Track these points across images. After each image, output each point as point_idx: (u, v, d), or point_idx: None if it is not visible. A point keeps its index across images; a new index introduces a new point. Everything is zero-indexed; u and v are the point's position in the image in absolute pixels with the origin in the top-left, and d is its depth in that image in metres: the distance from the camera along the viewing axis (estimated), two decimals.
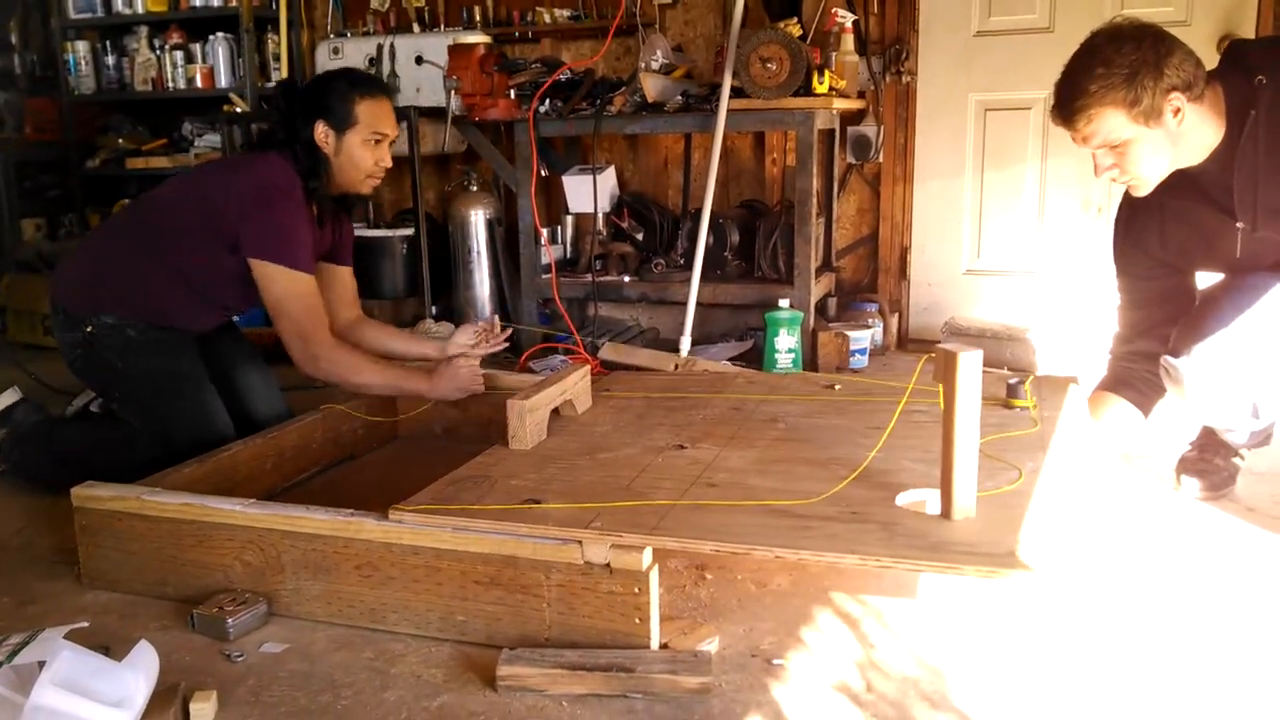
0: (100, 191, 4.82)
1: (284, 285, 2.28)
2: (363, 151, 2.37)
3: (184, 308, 2.40)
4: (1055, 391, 2.24)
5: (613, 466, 1.88)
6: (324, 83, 2.42)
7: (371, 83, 2.47)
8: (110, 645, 1.58)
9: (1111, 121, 1.84)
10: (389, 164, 2.43)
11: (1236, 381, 2.03)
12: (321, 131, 2.34)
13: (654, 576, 1.54)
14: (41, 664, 1.31)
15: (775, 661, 1.58)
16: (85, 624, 1.52)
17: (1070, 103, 1.86)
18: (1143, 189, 1.97)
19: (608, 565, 1.54)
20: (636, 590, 1.53)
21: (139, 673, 1.39)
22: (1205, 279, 2.18)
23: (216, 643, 1.67)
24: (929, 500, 1.64)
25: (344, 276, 2.63)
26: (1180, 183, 1.97)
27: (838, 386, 2.37)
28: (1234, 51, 1.98)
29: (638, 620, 1.54)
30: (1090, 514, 1.63)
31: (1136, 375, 2.22)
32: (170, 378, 2.35)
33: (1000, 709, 1.43)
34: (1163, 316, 2.17)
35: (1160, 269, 2.16)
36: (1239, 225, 1.97)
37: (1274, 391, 2.04)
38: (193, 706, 1.45)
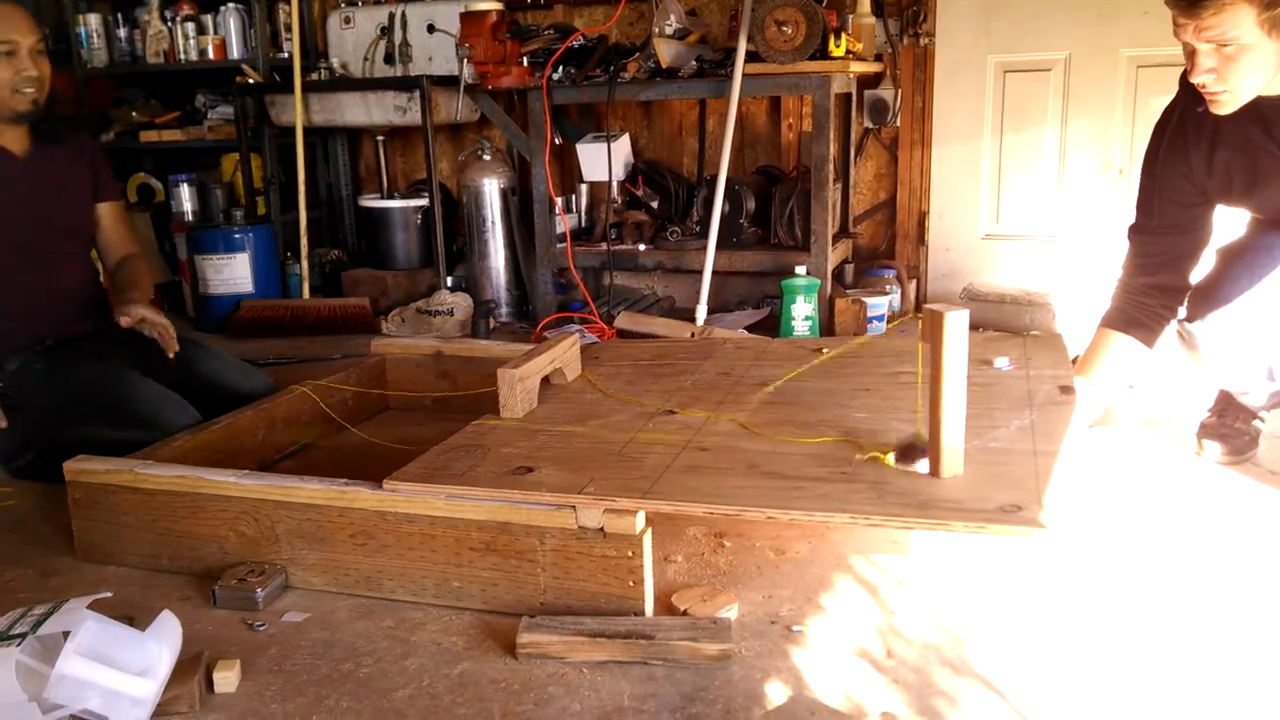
0: (116, 165, 4.79)
1: None
2: None
3: (17, 306, 2.34)
4: (1045, 349, 2.22)
5: (604, 433, 1.88)
6: None
7: None
8: (133, 616, 1.60)
9: (1239, 19, 1.72)
10: (34, 72, 2.30)
11: (1252, 344, 2.00)
12: None
13: (647, 540, 1.56)
14: (66, 634, 1.32)
15: (795, 628, 1.58)
16: (109, 594, 1.54)
17: None
18: (1229, 105, 1.86)
19: (601, 529, 1.56)
20: (630, 554, 1.55)
21: (163, 642, 1.40)
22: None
23: (238, 613, 1.68)
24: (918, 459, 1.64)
25: (107, 213, 2.57)
26: (1247, 111, 1.87)
27: (826, 350, 2.36)
28: None
29: (632, 583, 1.56)
30: (1088, 473, 1.63)
31: (1148, 312, 2.14)
32: (96, 381, 2.30)
33: (1021, 674, 1.43)
34: (1186, 248, 2.10)
35: (1196, 195, 2.06)
36: None
37: None
38: (216, 675, 1.46)
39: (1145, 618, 1.56)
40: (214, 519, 1.79)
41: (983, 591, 1.66)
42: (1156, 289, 2.13)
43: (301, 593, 1.75)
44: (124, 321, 2.33)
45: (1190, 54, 1.84)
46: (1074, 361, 2.21)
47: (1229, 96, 1.86)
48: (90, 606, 1.38)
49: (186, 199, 4.44)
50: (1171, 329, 2.14)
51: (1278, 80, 1.83)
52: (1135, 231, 2.18)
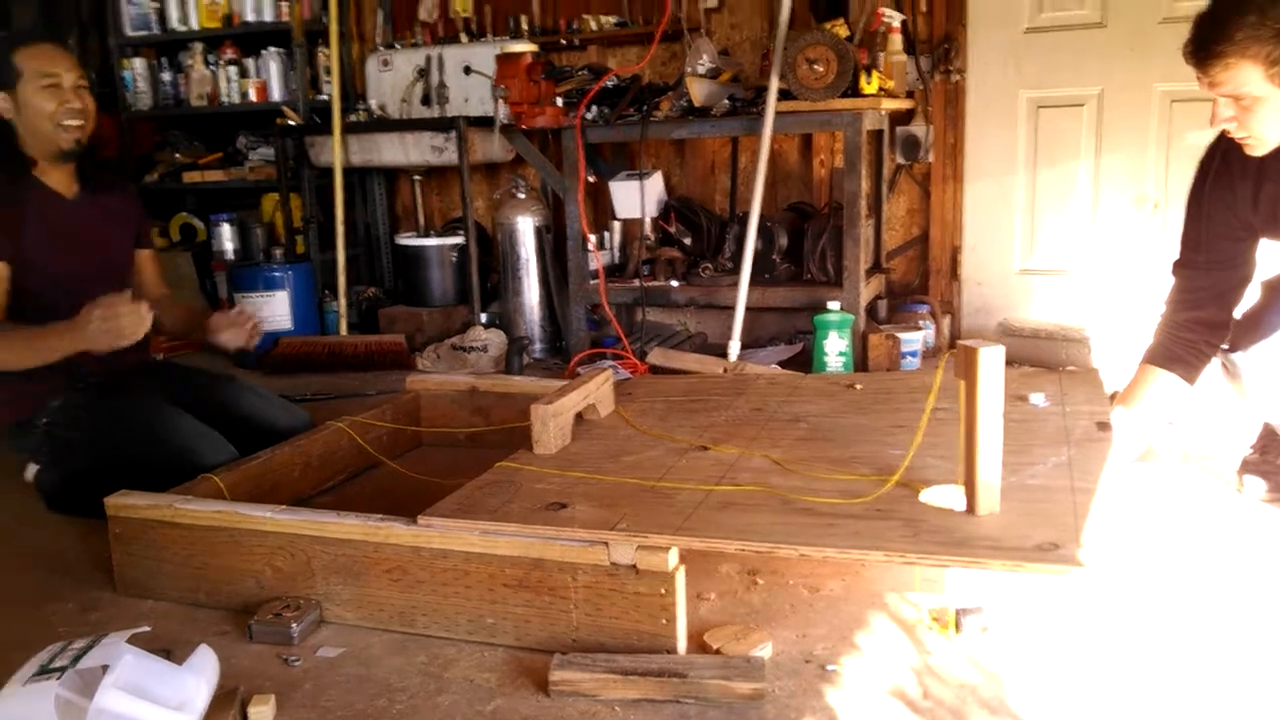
0: (158, 205, 4.92)
1: None
2: (41, 100, 2.32)
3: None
4: (1082, 385, 2.20)
5: (637, 469, 1.89)
6: None
7: (27, 34, 2.41)
8: (171, 650, 1.61)
9: (1247, 75, 1.76)
10: (79, 105, 2.35)
11: None
12: None
13: (680, 577, 1.55)
14: (105, 668, 1.34)
15: (829, 667, 1.56)
16: (147, 629, 1.55)
17: (1209, 44, 1.77)
18: (1258, 149, 1.88)
19: (634, 566, 1.55)
20: (663, 591, 1.54)
21: (200, 676, 1.41)
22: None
23: (274, 648, 1.69)
24: (953, 497, 1.63)
25: (146, 260, 2.66)
26: None
27: (859, 386, 2.35)
28: None
29: (664, 621, 1.55)
30: (1127, 510, 1.61)
31: (1191, 348, 2.10)
32: (137, 417, 2.34)
33: (1060, 716, 1.40)
34: (1231, 283, 2.08)
35: (1242, 230, 2.04)
36: None
37: None
38: (251, 710, 1.47)
39: (1185, 659, 1.53)
40: (250, 554, 1.81)
41: (1020, 630, 1.64)
42: (1200, 324, 2.11)
43: (336, 628, 1.76)
44: (224, 339, 2.46)
45: (1213, 102, 1.85)
46: (1112, 398, 2.19)
47: (1255, 141, 1.87)
48: (129, 641, 1.40)
49: (227, 238, 4.53)
50: (1215, 362, 2.11)
51: None
52: (1180, 266, 2.16)
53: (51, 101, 2.32)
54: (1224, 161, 2.04)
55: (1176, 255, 2.17)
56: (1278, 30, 1.71)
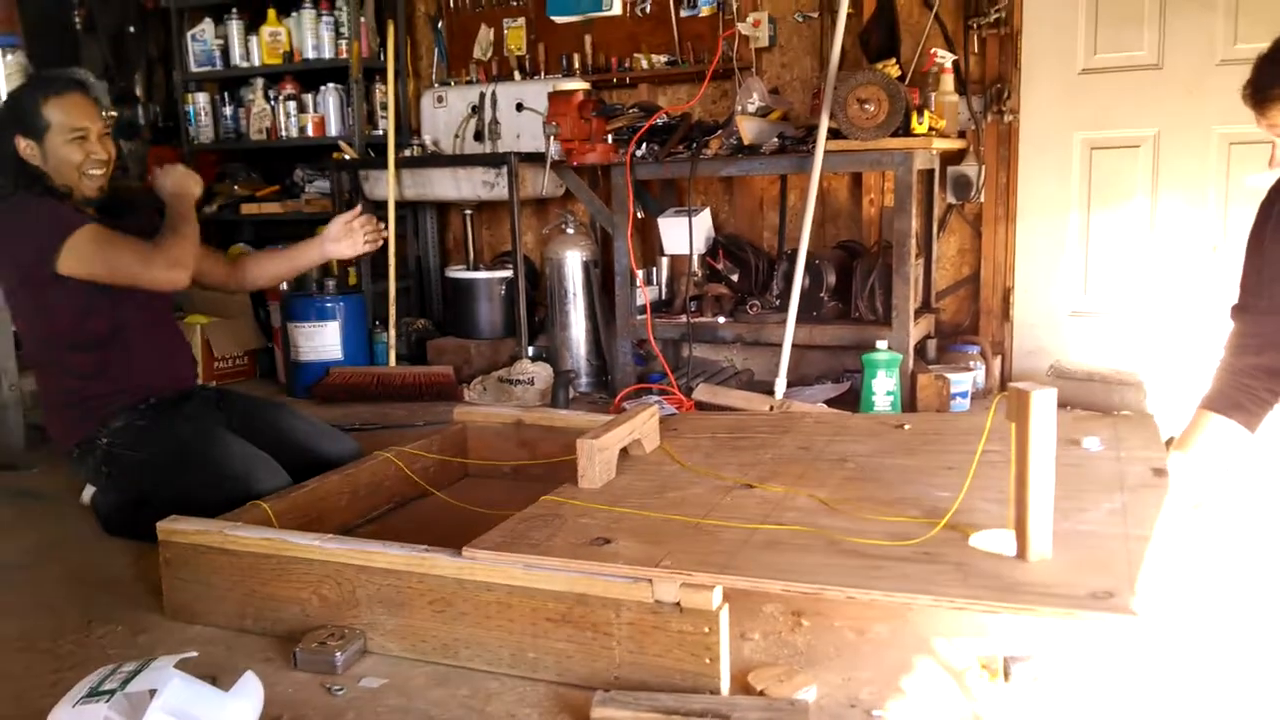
0: (217, 235, 5.03)
1: (84, 250, 2.29)
2: (68, 150, 2.37)
3: (121, 362, 2.44)
4: (1137, 430, 2.15)
5: (681, 505, 1.88)
6: (12, 98, 2.44)
7: (57, 81, 2.44)
8: (217, 675, 1.63)
9: None
10: (103, 155, 2.41)
11: None
12: (24, 146, 2.36)
13: (724, 616, 1.54)
14: (153, 692, 1.35)
15: (875, 712, 1.53)
16: (194, 654, 1.57)
17: (1268, 88, 1.78)
18: None
19: (678, 604, 1.54)
20: (707, 630, 1.53)
21: (245, 702, 1.42)
22: None
23: (317, 676, 1.70)
24: (1004, 541, 1.60)
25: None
26: None
27: (907, 426, 2.32)
28: None
29: (708, 660, 1.54)
30: (1182, 559, 1.57)
31: (1251, 394, 2.06)
32: (194, 440, 2.38)
33: None
34: None
35: None
36: None
37: None
38: None
39: (1237, 710, 1.49)
40: (297, 582, 1.82)
41: (1071, 680, 1.60)
42: (1262, 371, 2.07)
43: (379, 658, 1.76)
44: (343, 248, 2.72)
45: (1272, 144, 1.83)
46: (1168, 443, 2.15)
47: None
48: (177, 665, 1.41)
49: None
50: (1276, 411, 2.06)
51: None
52: (1240, 311, 2.12)
53: (78, 153, 2.39)
54: None
55: (1235, 299, 2.13)
56: None
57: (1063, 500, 1.59)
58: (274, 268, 2.81)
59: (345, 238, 2.69)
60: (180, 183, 2.53)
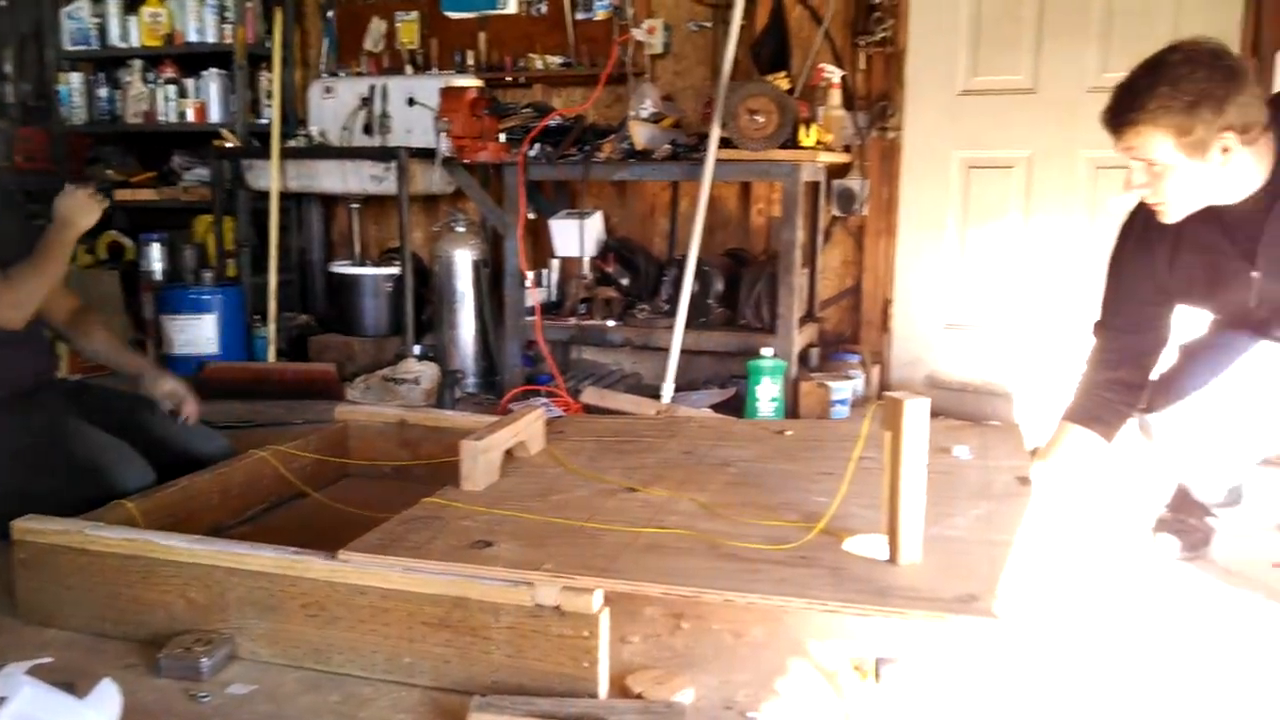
0: None
1: None
2: None
3: None
4: (1004, 439, 2.25)
5: (565, 509, 1.88)
6: None
7: None
8: (74, 682, 1.55)
9: (1157, 144, 1.80)
10: None
11: (1209, 441, 2.04)
12: None
13: (604, 619, 1.55)
14: (2, 699, 1.29)
15: (750, 715, 1.56)
16: (49, 660, 1.50)
17: (1123, 113, 1.81)
18: (1170, 216, 1.92)
19: (558, 608, 1.54)
20: (587, 634, 1.54)
21: (100, 712, 1.37)
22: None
23: (182, 683, 1.64)
24: (876, 546, 1.65)
25: None
26: (1205, 214, 1.92)
27: (789, 432, 2.38)
28: None
29: (586, 664, 1.54)
30: (1043, 565, 1.65)
31: (1109, 407, 2.15)
32: (47, 430, 2.28)
33: None
34: (1147, 346, 2.14)
35: (1159, 295, 2.10)
36: (1254, 274, 1.93)
37: (1245, 452, 2.05)
38: None
39: (1096, 712, 1.56)
40: (164, 585, 1.76)
41: (938, 680, 1.65)
42: (1118, 384, 2.17)
43: (249, 664, 1.71)
44: (160, 391, 2.47)
45: (1127, 168, 1.91)
46: (1032, 453, 2.24)
47: (1166, 208, 1.91)
48: (29, 672, 1.35)
49: (157, 258, 4.42)
50: (1132, 422, 2.17)
51: (1224, 190, 1.88)
52: (1099, 328, 2.22)
53: None
54: (1144, 227, 2.09)
55: (1097, 316, 2.23)
56: (1188, 102, 1.76)
57: (933, 506, 1.65)
58: (104, 350, 2.59)
59: (169, 400, 2.52)
60: (73, 211, 2.41)
